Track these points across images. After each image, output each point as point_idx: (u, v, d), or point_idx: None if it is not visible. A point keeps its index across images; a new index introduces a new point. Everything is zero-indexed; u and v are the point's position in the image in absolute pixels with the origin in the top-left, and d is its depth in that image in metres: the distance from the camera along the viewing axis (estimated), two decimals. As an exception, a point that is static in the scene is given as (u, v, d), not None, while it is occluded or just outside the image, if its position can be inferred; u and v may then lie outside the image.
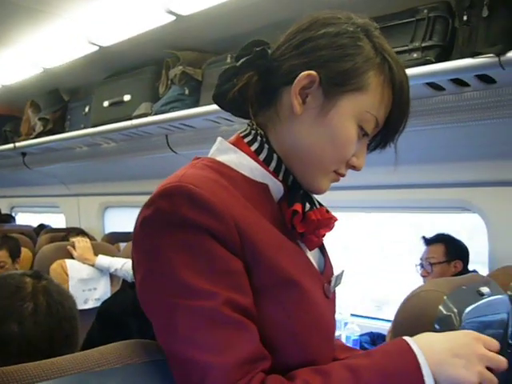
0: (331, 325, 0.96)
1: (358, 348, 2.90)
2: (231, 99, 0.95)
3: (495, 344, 0.84)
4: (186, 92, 2.86)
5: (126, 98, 3.26)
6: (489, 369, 0.81)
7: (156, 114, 3.01)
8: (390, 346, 0.82)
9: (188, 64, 2.87)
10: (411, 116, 2.29)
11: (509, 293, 1.74)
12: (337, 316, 2.92)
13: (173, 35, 2.85)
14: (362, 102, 0.88)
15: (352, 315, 3.22)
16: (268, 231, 0.84)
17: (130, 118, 3.17)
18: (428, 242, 2.86)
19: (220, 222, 0.78)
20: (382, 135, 0.95)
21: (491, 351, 0.83)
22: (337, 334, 3.03)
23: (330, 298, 0.96)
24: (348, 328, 3.00)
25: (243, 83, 0.93)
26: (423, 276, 2.81)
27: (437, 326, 1.30)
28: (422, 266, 2.83)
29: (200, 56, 2.92)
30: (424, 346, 0.79)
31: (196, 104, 2.85)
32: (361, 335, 3.00)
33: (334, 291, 1.00)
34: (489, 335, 1.53)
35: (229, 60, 2.66)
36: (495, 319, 1.57)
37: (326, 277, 0.96)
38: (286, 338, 0.82)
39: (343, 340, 2.96)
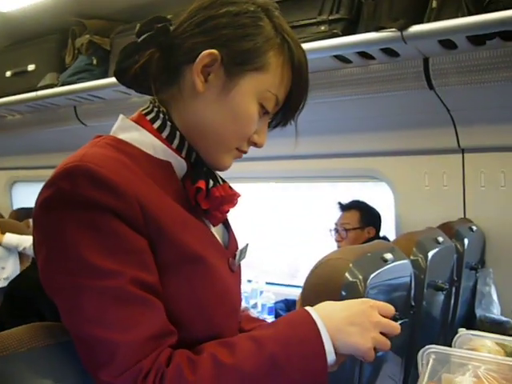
0: (236, 298, 0.98)
1: (272, 315, 2.98)
2: (133, 76, 0.93)
3: (390, 309, 0.88)
4: (94, 62, 2.77)
5: (30, 67, 3.11)
6: (384, 334, 0.85)
7: (63, 84, 2.90)
8: (292, 316, 0.85)
9: (95, 33, 2.77)
10: (321, 88, 2.35)
11: (411, 257, 1.83)
12: (252, 285, 2.99)
13: (79, 2, 2.73)
14: (263, 82, 0.90)
15: (267, 283, 3.29)
16: (171, 209, 0.84)
17: (36, 89, 3.03)
18: (343, 208, 2.94)
19: (122, 201, 0.77)
20: (283, 113, 0.96)
21: (387, 317, 0.87)
22: (253, 302, 3.10)
23: (235, 272, 0.98)
24: (264, 296, 3.07)
25: (145, 60, 0.91)
26: (338, 241, 2.89)
27: (343, 293, 1.35)
28: (336, 231, 2.91)
29: (108, 24, 2.83)
30: (323, 314, 0.82)
31: (105, 74, 2.77)
32: (276, 302, 3.07)
33: (239, 265, 1.02)
34: (394, 298, 1.64)
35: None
36: (399, 283, 1.66)
37: (230, 251, 0.98)
38: (192, 313, 0.83)
39: (259, 308, 3.04)
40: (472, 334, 0.84)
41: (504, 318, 2.37)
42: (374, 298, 1.37)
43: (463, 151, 2.55)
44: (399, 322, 0.90)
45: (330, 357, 0.79)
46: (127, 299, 0.74)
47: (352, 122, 2.69)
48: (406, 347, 1.78)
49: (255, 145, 0.96)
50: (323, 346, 0.79)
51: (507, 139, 2.41)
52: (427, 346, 0.81)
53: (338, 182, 3.34)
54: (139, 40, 0.92)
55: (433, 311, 2.12)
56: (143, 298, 0.76)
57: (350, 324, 0.83)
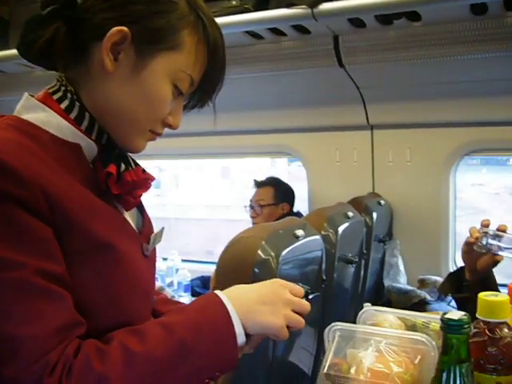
0: (150, 283, 0.96)
1: (189, 293, 2.97)
2: (38, 51, 0.87)
3: (299, 290, 0.89)
4: (-8, 32, 2.60)
5: None
6: (297, 312, 0.87)
7: (-44, 57, 2.70)
8: (202, 300, 0.85)
9: (-9, 0, 2.59)
10: (233, 64, 2.31)
11: (323, 233, 1.88)
12: (168, 263, 2.94)
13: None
14: (177, 61, 0.86)
15: (183, 261, 3.27)
16: (80, 195, 0.81)
17: None
18: (258, 184, 2.97)
19: (24, 189, 0.73)
20: (199, 94, 0.93)
21: (297, 296, 0.88)
22: (168, 280, 3.07)
23: (149, 257, 0.95)
24: (179, 274, 3.05)
25: (50, 35, 0.85)
26: (253, 217, 2.92)
27: (256, 270, 1.36)
28: (251, 207, 2.94)
29: (6, -9, 2.65)
30: (233, 297, 0.83)
31: (5, 46, 2.60)
32: (192, 280, 3.06)
33: (154, 249, 0.99)
34: (306, 273, 1.67)
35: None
36: (311, 258, 1.70)
37: (144, 236, 0.95)
38: (104, 302, 0.81)
39: (175, 286, 3.02)
40: (375, 310, 0.87)
41: (409, 287, 2.50)
42: (286, 274, 1.41)
43: (372, 128, 2.63)
44: (311, 296, 0.92)
45: (241, 339, 0.80)
46: (32, 291, 0.72)
47: (265, 98, 2.70)
48: (319, 319, 1.83)
49: (170, 126, 0.93)
50: (233, 330, 0.80)
51: (413, 116, 2.51)
52: (332, 324, 0.83)
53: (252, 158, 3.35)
54: (44, 13, 0.85)
55: (344, 283, 2.19)
56: (49, 289, 0.73)
57: (261, 303, 0.84)
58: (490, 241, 1.31)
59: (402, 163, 2.61)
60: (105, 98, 0.87)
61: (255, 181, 2.99)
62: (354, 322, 0.90)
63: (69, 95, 0.86)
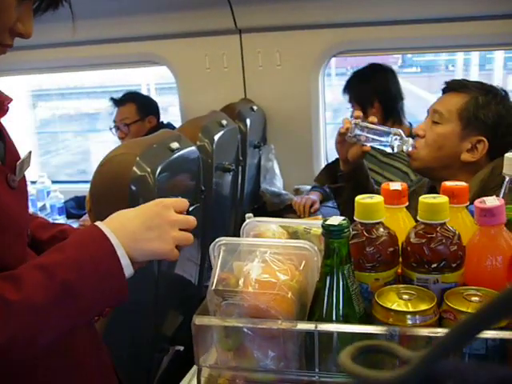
0: (21, 218, 0.87)
1: (64, 215, 2.85)
2: None
3: (184, 203, 0.87)
4: None
5: None
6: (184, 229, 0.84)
7: None
8: (83, 235, 0.79)
9: None
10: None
11: (198, 143, 1.85)
12: (38, 186, 2.76)
13: None
14: None
15: (54, 182, 3.10)
16: None
17: None
18: (117, 103, 2.83)
19: None
20: None
21: (182, 212, 0.85)
22: (40, 204, 2.92)
23: (18, 188, 0.85)
24: (51, 196, 2.89)
25: None
26: (121, 138, 2.81)
27: (133, 187, 1.32)
28: (117, 128, 2.82)
29: None
30: (116, 227, 0.79)
31: None
32: (66, 201, 2.93)
33: (24, 177, 0.90)
34: (185, 185, 1.65)
35: None
36: (188, 169, 1.68)
37: (8, 166, 0.85)
38: None
39: (48, 210, 2.87)
40: (257, 221, 0.87)
41: (283, 191, 2.60)
42: (164, 188, 1.38)
43: (240, 32, 2.57)
44: (191, 207, 0.89)
45: (128, 270, 0.77)
46: None
47: (125, 3, 2.52)
48: (201, 229, 1.84)
49: (21, 35, 0.81)
50: (119, 263, 0.75)
51: (282, 18, 2.47)
52: (217, 239, 0.82)
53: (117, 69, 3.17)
54: None
55: (223, 191, 2.21)
56: None
57: (147, 229, 0.80)
58: (359, 132, 1.35)
59: (272, 67, 2.60)
60: None
61: (113, 99, 2.84)
62: (236, 229, 0.90)
63: None
